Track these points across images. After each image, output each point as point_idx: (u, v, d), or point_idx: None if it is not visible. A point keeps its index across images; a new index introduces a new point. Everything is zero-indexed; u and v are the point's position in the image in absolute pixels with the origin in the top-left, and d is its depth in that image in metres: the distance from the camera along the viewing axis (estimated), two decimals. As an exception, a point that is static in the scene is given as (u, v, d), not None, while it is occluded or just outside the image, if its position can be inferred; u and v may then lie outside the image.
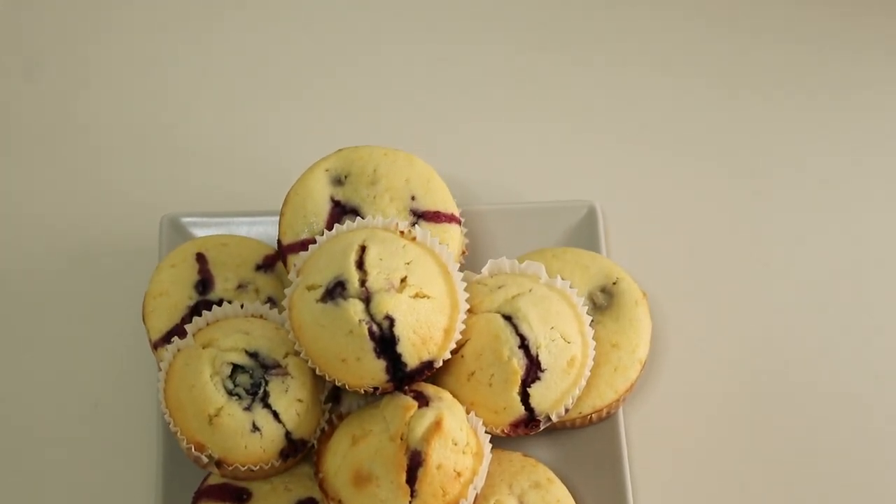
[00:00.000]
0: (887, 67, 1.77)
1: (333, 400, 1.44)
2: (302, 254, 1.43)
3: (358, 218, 1.45)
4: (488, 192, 1.66)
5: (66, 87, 1.76)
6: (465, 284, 1.41)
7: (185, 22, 1.81)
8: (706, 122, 1.73)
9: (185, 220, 1.58)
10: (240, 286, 1.50)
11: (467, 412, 1.39)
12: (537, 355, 1.40)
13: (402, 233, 1.41)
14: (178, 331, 1.46)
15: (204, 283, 1.49)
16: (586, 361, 1.43)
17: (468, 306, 1.41)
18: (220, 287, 1.49)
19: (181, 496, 1.44)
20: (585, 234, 1.57)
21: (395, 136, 1.64)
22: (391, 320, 1.34)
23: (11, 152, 1.71)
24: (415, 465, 1.33)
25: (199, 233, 1.57)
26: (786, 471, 1.51)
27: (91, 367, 1.56)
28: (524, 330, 1.40)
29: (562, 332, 1.41)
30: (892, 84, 1.76)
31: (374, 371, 1.36)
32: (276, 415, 1.38)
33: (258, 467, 1.39)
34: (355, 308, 1.35)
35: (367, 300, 1.35)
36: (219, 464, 1.38)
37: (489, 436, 1.39)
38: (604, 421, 1.49)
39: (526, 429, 1.41)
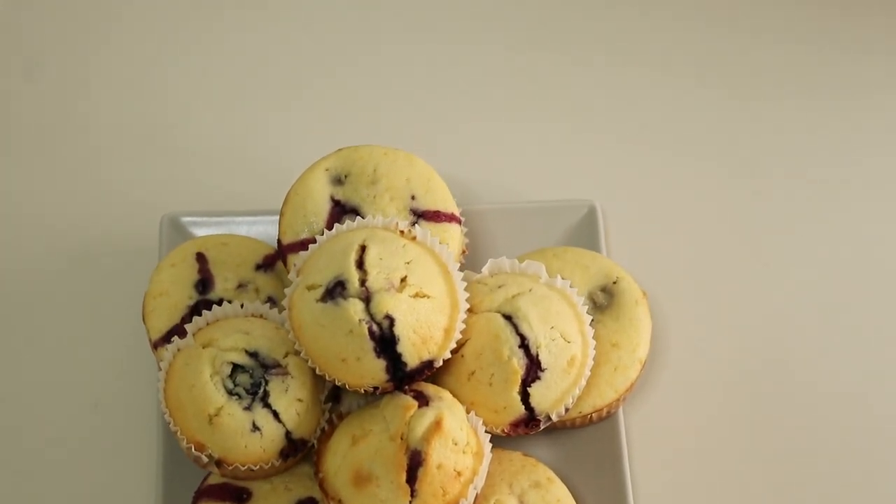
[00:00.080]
0: (887, 67, 1.77)
1: (333, 400, 1.44)
2: (302, 253, 1.43)
3: (358, 217, 1.45)
4: (488, 191, 1.66)
5: (66, 87, 1.76)
6: (465, 284, 1.41)
7: (185, 22, 1.81)
8: (706, 122, 1.73)
9: (185, 219, 1.58)
10: (240, 286, 1.50)
11: (467, 412, 1.39)
12: (537, 355, 1.39)
13: (402, 232, 1.41)
14: (178, 330, 1.46)
15: (204, 282, 1.49)
16: (586, 361, 1.42)
17: (468, 306, 1.41)
18: (220, 287, 1.49)
19: (181, 496, 1.44)
20: (585, 233, 1.57)
21: (395, 135, 1.64)
22: (391, 320, 1.34)
23: (11, 152, 1.71)
24: (415, 464, 1.32)
25: (199, 232, 1.57)
26: (786, 471, 1.51)
27: (91, 367, 1.55)
28: (524, 329, 1.40)
29: (562, 331, 1.41)
30: (892, 84, 1.76)
31: (374, 371, 1.36)
32: (276, 414, 1.38)
33: (258, 467, 1.39)
34: (355, 308, 1.34)
35: (367, 300, 1.35)
36: (219, 463, 1.38)
37: (489, 435, 1.39)
38: (604, 420, 1.49)
39: (526, 428, 1.41)
